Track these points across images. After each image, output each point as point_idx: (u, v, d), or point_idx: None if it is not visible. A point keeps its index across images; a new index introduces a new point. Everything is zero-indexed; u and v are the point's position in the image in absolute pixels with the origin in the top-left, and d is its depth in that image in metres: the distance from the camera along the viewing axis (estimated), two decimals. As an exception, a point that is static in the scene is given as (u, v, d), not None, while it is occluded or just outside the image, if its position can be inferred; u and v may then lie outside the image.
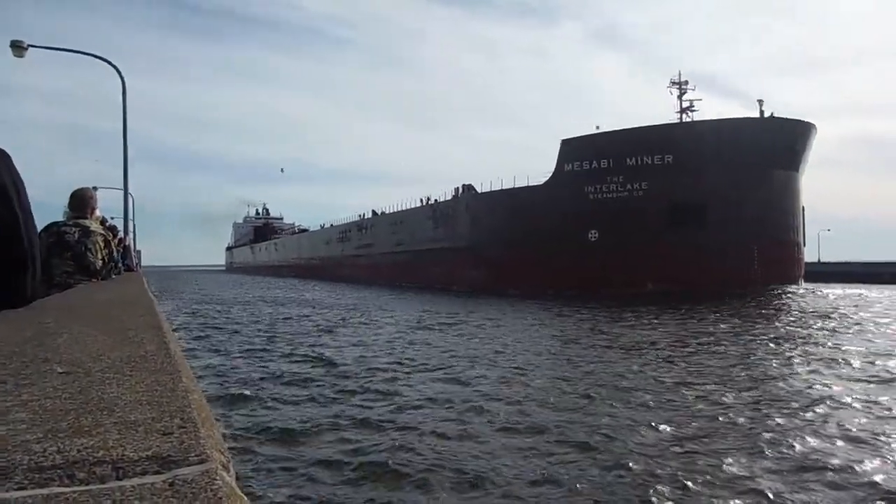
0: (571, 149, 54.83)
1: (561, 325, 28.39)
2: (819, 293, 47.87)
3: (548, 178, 56.21)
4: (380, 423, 11.44)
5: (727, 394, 13.11)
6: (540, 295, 48.37)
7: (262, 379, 16.06)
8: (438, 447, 9.89)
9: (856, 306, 36.22)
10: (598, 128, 54.35)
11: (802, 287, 52.27)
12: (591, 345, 21.71)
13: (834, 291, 49.73)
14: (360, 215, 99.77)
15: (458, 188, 68.86)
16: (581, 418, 11.56)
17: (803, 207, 56.09)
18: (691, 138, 49.97)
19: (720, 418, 11.36)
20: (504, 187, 60.54)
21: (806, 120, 52.37)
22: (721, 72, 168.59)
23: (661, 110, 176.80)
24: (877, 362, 16.88)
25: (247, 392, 14.22)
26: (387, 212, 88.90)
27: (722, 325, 26.67)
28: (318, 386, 15.09)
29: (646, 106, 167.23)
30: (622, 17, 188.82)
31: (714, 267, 48.44)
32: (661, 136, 51.72)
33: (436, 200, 73.51)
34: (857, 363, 16.86)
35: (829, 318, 29.43)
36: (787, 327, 26.34)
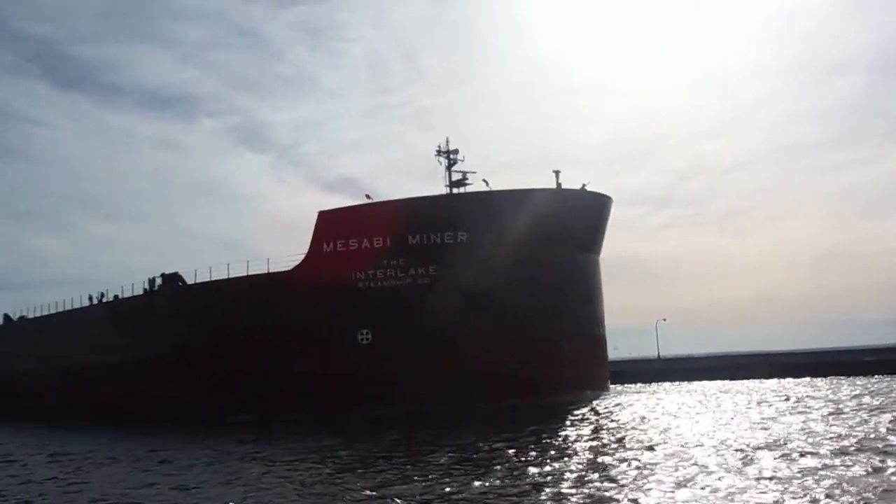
0: (332, 223, 41.65)
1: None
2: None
3: (298, 261, 41.93)
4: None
5: None
6: (285, 424, 34.20)
7: None
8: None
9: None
10: (368, 197, 42.14)
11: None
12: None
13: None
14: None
15: (152, 279, 50.37)
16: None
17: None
18: (490, 211, 40.31)
19: None
20: (228, 275, 44.45)
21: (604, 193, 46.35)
22: (363, 174, 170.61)
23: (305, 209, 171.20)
24: None
25: None
26: (28, 316, 64.54)
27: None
28: None
29: (289, 203, 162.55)
30: (262, 116, 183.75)
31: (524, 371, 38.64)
32: (452, 208, 41.58)
33: (115, 297, 53.53)
34: None
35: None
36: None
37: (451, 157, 46.99)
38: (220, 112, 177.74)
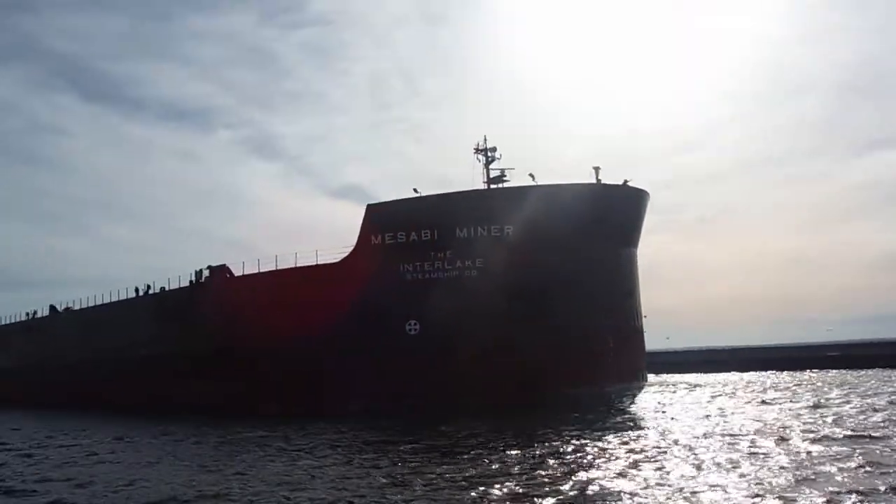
0: (381, 216, 42.51)
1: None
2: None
3: (347, 254, 42.79)
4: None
5: None
6: (335, 415, 34.93)
7: None
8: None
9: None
10: (416, 191, 42.95)
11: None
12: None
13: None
14: (26, 314, 73.95)
15: (199, 271, 51.50)
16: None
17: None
18: (535, 206, 40.86)
19: None
20: (276, 267, 45.39)
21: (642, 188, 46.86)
22: (366, 182, 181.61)
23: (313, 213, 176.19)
24: None
25: None
26: (73, 308, 66.00)
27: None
28: None
29: (296, 211, 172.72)
30: (273, 128, 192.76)
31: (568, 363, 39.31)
32: (498, 202, 42.27)
33: (162, 289, 54.79)
34: None
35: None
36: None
37: (490, 154, 47.53)
38: (234, 124, 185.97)
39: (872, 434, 22.17)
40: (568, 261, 40.77)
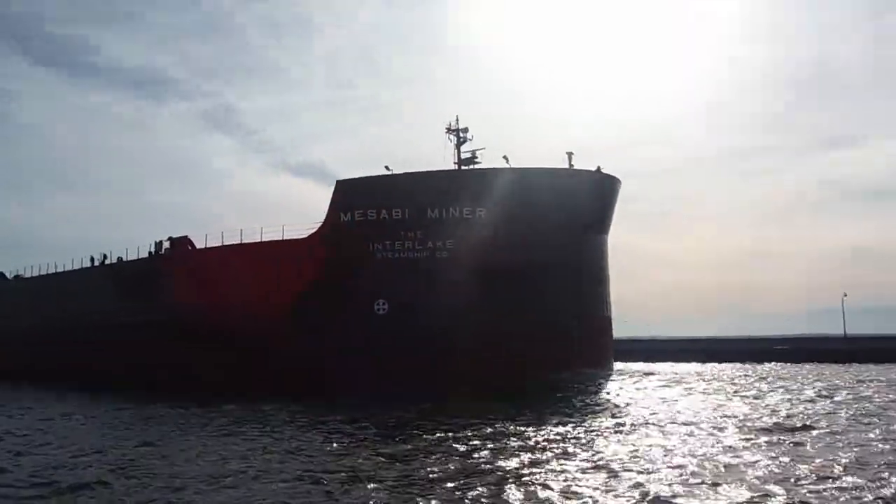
0: (352, 193, 41.61)
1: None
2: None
3: (315, 230, 41.85)
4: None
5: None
6: (293, 393, 33.87)
7: None
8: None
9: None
10: (387, 168, 42.10)
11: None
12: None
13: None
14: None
15: (158, 242, 49.92)
16: None
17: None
18: (509, 189, 40.36)
19: None
20: (241, 241, 44.18)
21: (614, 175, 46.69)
22: (327, 160, 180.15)
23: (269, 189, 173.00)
24: None
25: None
26: (24, 275, 63.53)
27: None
28: None
29: (253, 186, 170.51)
30: (230, 102, 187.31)
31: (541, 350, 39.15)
32: (471, 182, 41.71)
33: (119, 259, 53.10)
34: None
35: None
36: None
37: (461, 135, 46.91)
38: (190, 96, 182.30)
39: (801, 424, 23.62)
40: (540, 245, 40.50)
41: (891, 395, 33.61)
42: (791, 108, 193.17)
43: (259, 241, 42.95)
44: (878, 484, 14.66)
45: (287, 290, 40.65)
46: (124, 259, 52.32)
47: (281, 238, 42.32)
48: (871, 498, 13.72)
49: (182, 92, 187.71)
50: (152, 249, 50.01)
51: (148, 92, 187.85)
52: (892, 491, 14.14)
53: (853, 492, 14.17)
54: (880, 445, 19.50)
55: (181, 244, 48.17)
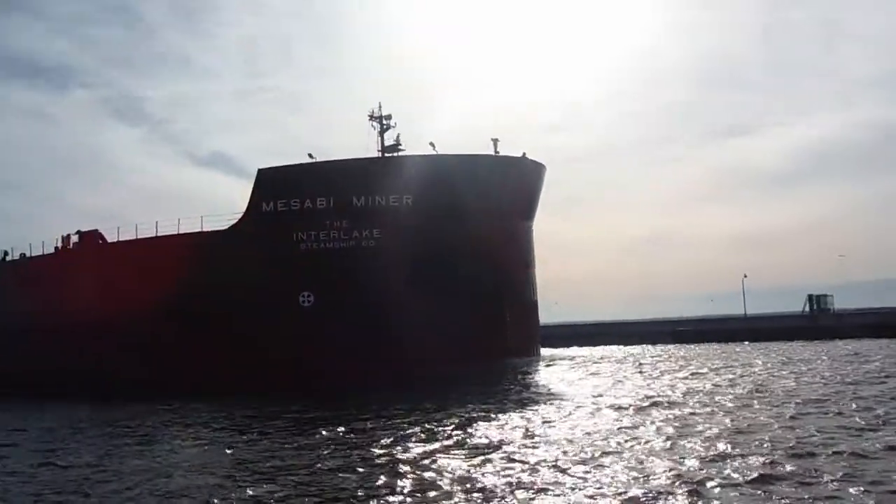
0: (273, 181, 40.26)
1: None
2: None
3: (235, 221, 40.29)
4: None
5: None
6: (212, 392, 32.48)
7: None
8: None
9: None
10: (311, 156, 40.94)
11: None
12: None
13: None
14: None
15: (66, 236, 47.11)
16: None
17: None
18: (436, 176, 39.89)
19: None
20: (156, 233, 42.17)
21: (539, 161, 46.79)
22: (237, 152, 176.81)
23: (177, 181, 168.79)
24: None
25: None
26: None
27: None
28: None
29: (161, 178, 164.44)
30: (135, 91, 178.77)
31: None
32: (398, 170, 41.03)
33: (22, 255, 49.89)
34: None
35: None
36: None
37: (385, 122, 45.99)
38: (93, 84, 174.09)
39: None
40: (468, 232, 40.26)
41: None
42: (693, 98, 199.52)
43: (177, 233, 41.12)
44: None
45: (206, 283, 38.96)
46: (27, 255, 49.20)
47: (200, 230, 40.66)
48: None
49: (83, 81, 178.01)
50: (58, 244, 47.27)
51: (47, 80, 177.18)
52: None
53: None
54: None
55: (90, 238, 45.60)
